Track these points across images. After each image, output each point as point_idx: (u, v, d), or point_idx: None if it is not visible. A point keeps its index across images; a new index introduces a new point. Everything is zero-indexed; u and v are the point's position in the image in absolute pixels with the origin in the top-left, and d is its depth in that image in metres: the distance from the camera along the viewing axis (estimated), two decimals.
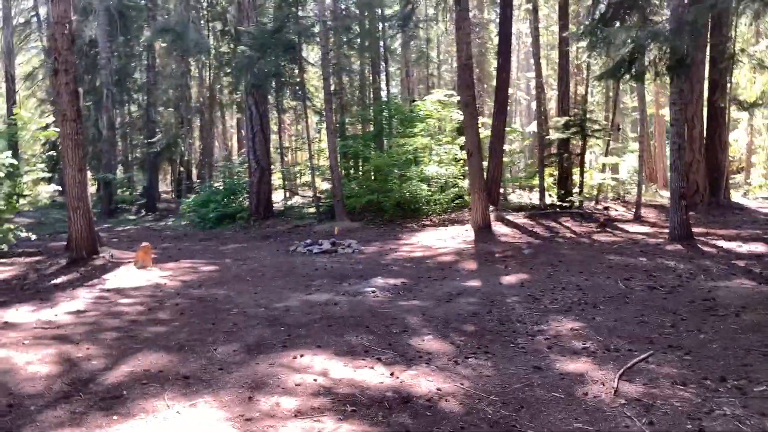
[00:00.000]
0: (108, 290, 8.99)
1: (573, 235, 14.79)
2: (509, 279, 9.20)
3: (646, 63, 10.65)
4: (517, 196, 27.32)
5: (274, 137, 27.03)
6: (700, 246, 11.62)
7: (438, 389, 4.73)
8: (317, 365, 5.32)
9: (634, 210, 20.31)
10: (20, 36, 35.64)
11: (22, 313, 7.39)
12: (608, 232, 15.21)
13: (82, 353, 5.58)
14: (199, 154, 30.69)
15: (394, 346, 5.91)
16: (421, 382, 4.90)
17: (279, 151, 24.00)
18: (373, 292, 8.66)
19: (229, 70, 21.45)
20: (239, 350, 5.80)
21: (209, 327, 6.77)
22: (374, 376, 5.04)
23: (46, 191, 14.84)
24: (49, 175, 15.58)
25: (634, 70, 10.65)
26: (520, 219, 17.99)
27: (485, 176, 16.80)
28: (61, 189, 16.43)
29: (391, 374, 5.07)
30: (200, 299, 8.37)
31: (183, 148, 23.35)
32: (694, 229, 13.08)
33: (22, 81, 37.17)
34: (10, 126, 16.28)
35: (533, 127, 30.76)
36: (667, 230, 14.63)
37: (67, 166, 10.65)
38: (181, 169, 31.24)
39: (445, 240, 14.29)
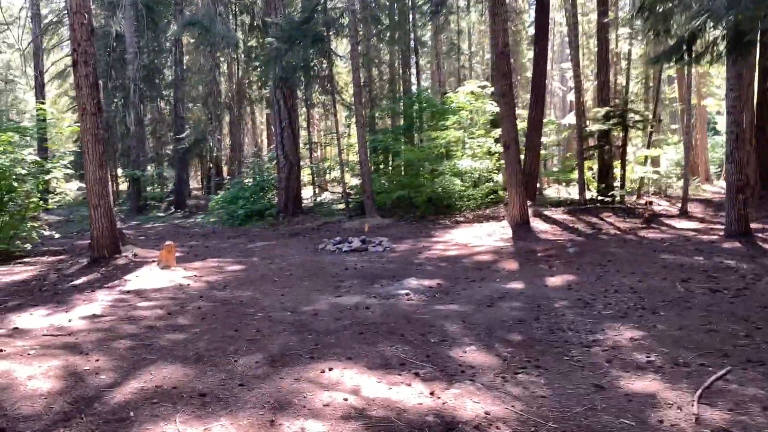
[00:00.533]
0: (128, 292, 8.55)
1: (617, 232, 13.97)
2: (555, 281, 8.50)
3: (705, 44, 9.82)
4: (552, 191, 26.44)
5: (303, 133, 26.61)
6: (760, 243, 10.74)
7: (486, 413, 4.10)
8: (348, 381, 4.74)
9: (679, 205, 19.38)
10: (51, 35, 35.84)
11: (35, 318, 6.97)
12: (655, 229, 14.35)
13: (90, 365, 5.09)
14: (229, 150, 30.48)
15: (432, 358, 5.30)
16: (466, 403, 4.28)
17: (308, 146, 23.53)
18: (407, 294, 8.05)
19: (257, 64, 20.99)
20: (262, 362, 5.26)
21: (231, 334, 6.24)
22: (412, 395, 4.44)
23: (70, 189, 14.55)
24: (73, 172, 15.29)
25: (692, 51, 9.81)
26: (559, 215, 17.20)
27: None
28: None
29: (431, 393, 4.46)
30: (224, 302, 7.87)
31: (211, 144, 23.03)
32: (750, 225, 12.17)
33: (55, 79, 37.47)
34: (37, 122, 16.10)
35: (568, 119, 29.78)
36: (718, 226, 13.73)
37: (88, 161, 10.26)
38: (211, 165, 31.06)
39: (481, 237, 13.62)
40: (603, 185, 19.38)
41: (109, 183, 10.55)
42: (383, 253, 12.02)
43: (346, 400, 4.34)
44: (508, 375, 4.85)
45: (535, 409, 4.17)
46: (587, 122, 20.25)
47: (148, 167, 25.35)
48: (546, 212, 17.66)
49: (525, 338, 5.86)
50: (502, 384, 4.66)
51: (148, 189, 27.06)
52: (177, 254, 12.79)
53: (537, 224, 15.32)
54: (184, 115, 23.45)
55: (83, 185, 16.39)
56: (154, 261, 10.49)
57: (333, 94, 18.53)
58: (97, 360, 5.26)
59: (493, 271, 9.55)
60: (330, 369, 5.00)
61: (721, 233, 11.93)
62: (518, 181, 14.68)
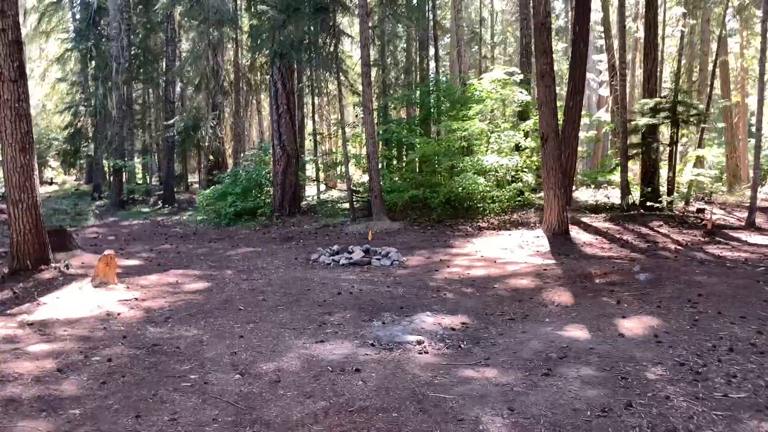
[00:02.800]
0: (30, 324, 6.11)
1: (678, 247, 11.36)
2: (631, 326, 5.93)
3: None
4: (582, 194, 23.73)
5: (308, 124, 24.16)
6: None
7: None
8: None
9: (737, 213, 16.70)
10: (50, 19, 33.67)
11: None
12: (723, 244, 11.71)
13: None
14: (231, 140, 28.08)
15: None
16: None
17: (312, 136, 21.04)
18: (419, 342, 5.54)
19: (251, 38, 18.52)
20: None
21: (128, 423, 3.78)
22: None
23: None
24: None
25: None
26: (600, 222, 14.60)
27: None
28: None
29: None
30: (152, 348, 5.40)
31: (204, 133, 20.61)
32: None
33: (54, 63, 35.33)
34: None
35: (601, 114, 27.06)
36: None
37: (6, 143, 7.84)
38: (211, 157, 28.70)
39: (511, 250, 11.06)
40: (649, 189, 16.71)
41: (35, 172, 8.11)
42: (390, 269, 9.51)
43: None
44: None
45: None
46: (632, 116, 17.59)
47: (137, 157, 22.97)
48: (583, 219, 15.05)
49: None
50: None
51: (140, 182, 24.77)
52: (135, 262, 10.40)
53: (577, 234, 12.73)
54: (174, 99, 21.03)
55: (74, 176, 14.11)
56: (91, 275, 8.05)
57: (338, 73, 15.98)
58: None
59: (539, 304, 6.99)
60: None
61: None
62: (557, 181, 12.11)
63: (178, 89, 25.26)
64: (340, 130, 17.84)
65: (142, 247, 12.49)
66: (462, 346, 5.51)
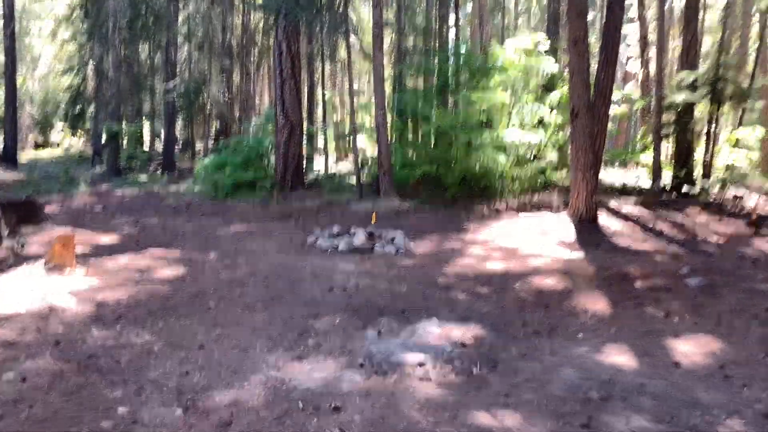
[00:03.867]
0: None
1: (721, 240, 10.08)
2: (687, 350, 4.74)
3: None
4: (610, 175, 22.30)
5: (319, 92, 22.83)
6: None
7: None
8: None
9: None
10: None
11: None
12: None
13: None
14: (239, 107, 26.88)
15: None
16: None
17: (322, 105, 19.76)
18: (421, 365, 4.39)
19: None
20: None
21: None
22: None
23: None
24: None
25: None
26: (629, 208, 13.31)
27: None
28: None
29: None
30: (86, 363, 4.31)
31: (207, 97, 19.37)
32: None
33: (62, 22, 34.15)
34: None
35: (628, 89, 25.43)
36: None
37: None
38: (217, 124, 27.53)
39: (533, 238, 9.84)
40: (683, 171, 15.32)
41: None
42: (395, 257, 8.35)
43: None
44: None
45: None
46: (665, 93, 16.12)
47: (139, 122, 21.81)
48: (611, 203, 13.76)
49: None
50: None
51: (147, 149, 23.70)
52: (112, 238, 9.33)
53: (606, 221, 11.47)
54: (175, 61, 19.76)
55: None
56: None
57: (347, 35, 14.64)
58: None
59: (569, 312, 5.81)
60: None
61: None
62: (587, 162, 10.83)
63: (185, 52, 24.02)
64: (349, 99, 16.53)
65: (127, 220, 11.42)
66: (475, 371, 4.35)
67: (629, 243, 9.65)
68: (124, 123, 19.57)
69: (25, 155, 30.91)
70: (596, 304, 5.92)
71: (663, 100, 15.47)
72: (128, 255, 8.01)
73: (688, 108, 15.19)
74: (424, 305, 5.92)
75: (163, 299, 5.98)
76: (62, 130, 36.05)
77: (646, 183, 16.73)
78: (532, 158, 16.17)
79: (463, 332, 5.15)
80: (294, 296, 6.17)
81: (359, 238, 9.13)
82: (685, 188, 14.79)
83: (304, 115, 18.10)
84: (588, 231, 10.46)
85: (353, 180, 16.91)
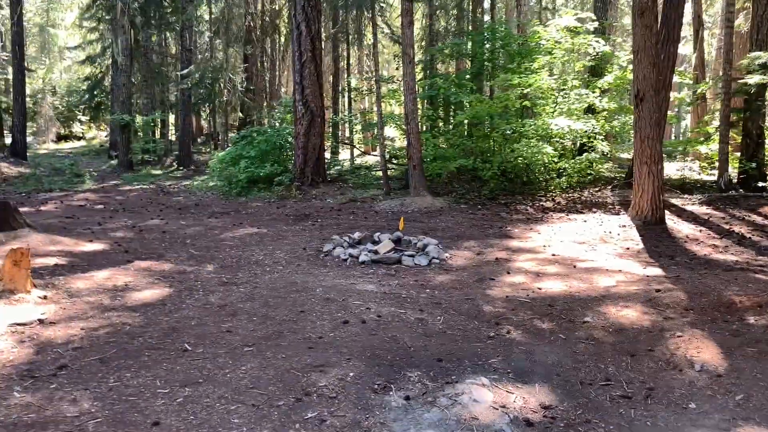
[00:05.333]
0: None
1: None
2: None
3: None
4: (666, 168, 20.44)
5: (343, 80, 21.34)
6: None
7: None
8: None
9: None
10: None
11: None
12: None
13: None
14: (266, 96, 25.58)
15: None
16: None
17: (347, 92, 18.31)
18: None
19: None
20: None
21: None
22: None
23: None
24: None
25: None
26: (694, 206, 11.65)
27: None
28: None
29: None
30: None
31: (223, 86, 18.07)
32: None
33: (86, 10, 33.37)
34: None
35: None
36: None
37: None
38: (241, 114, 26.31)
39: (593, 246, 8.28)
40: (753, 164, 13.50)
41: None
42: (427, 272, 6.87)
43: None
44: None
45: None
46: (733, 74, 14.26)
47: (157, 113, 20.62)
48: (673, 200, 12.09)
49: None
50: None
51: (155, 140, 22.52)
52: (98, 246, 8.05)
53: (674, 223, 9.82)
54: (191, 48, 18.49)
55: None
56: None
57: (372, 12, 13.12)
58: None
59: (667, 363, 4.25)
60: None
61: None
62: (655, 154, 9.22)
63: (204, 38, 22.82)
64: (372, 85, 15.03)
65: (125, 223, 10.16)
66: None
67: (709, 252, 8.01)
68: (138, 114, 18.35)
69: (47, 147, 30.19)
70: (703, 350, 4.36)
71: (732, 83, 13.66)
72: (108, 270, 6.70)
73: (761, 91, 13.36)
74: (467, 349, 4.45)
75: (127, 338, 4.61)
76: (84, 122, 35.32)
77: (705, 176, 14.98)
78: (578, 150, 14.54)
79: (524, 399, 3.67)
80: (297, 333, 4.75)
81: (385, 245, 7.67)
82: (756, 183, 13.04)
83: (327, 103, 16.67)
84: (656, 236, 8.84)
85: (380, 173, 15.46)
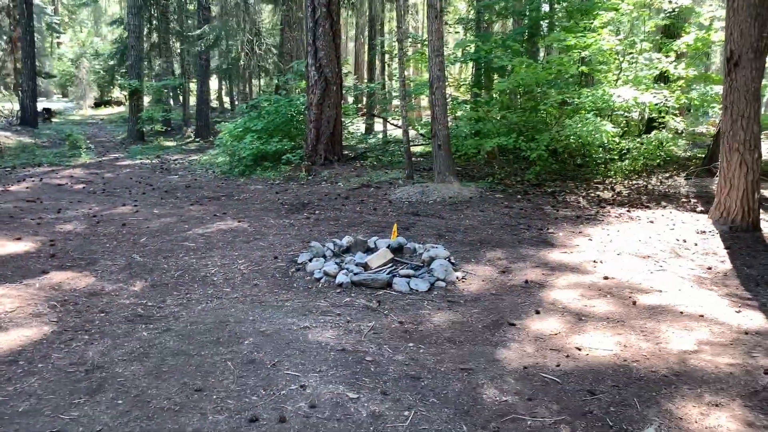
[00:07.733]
0: None
1: None
2: None
3: None
4: None
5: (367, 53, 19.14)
6: None
7: None
8: None
9: None
10: None
11: None
12: None
13: None
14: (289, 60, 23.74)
15: None
16: None
17: (380, 57, 16.25)
18: None
19: None
20: None
21: None
22: None
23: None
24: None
25: None
26: None
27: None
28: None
29: None
30: None
31: (240, 48, 16.27)
32: None
33: None
34: None
35: None
36: None
37: None
38: (277, 82, 24.53)
39: (660, 261, 6.12)
40: None
41: None
42: (424, 306, 4.92)
43: None
44: None
45: None
46: None
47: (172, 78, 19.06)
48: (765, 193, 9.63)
49: None
50: None
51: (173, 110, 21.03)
52: (23, 247, 6.46)
53: None
54: (209, 5, 16.69)
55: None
56: None
57: None
58: None
59: None
60: None
61: None
62: (749, 137, 6.90)
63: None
64: (396, 49, 12.88)
65: (88, 210, 8.58)
66: None
67: None
68: (151, 80, 16.80)
69: (82, 114, 29.37)
70: None
71: None
72: (3, 287, 5.07)
73: None
74: None
75: None
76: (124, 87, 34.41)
77: None
78: (646, 126, 12.12)
79: None
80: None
81: (378, 257, 5.76)
82: None
83: (347, 70, 14.67)
84: (748, 249, 6.59)
85: (415, 148, 13.43)
